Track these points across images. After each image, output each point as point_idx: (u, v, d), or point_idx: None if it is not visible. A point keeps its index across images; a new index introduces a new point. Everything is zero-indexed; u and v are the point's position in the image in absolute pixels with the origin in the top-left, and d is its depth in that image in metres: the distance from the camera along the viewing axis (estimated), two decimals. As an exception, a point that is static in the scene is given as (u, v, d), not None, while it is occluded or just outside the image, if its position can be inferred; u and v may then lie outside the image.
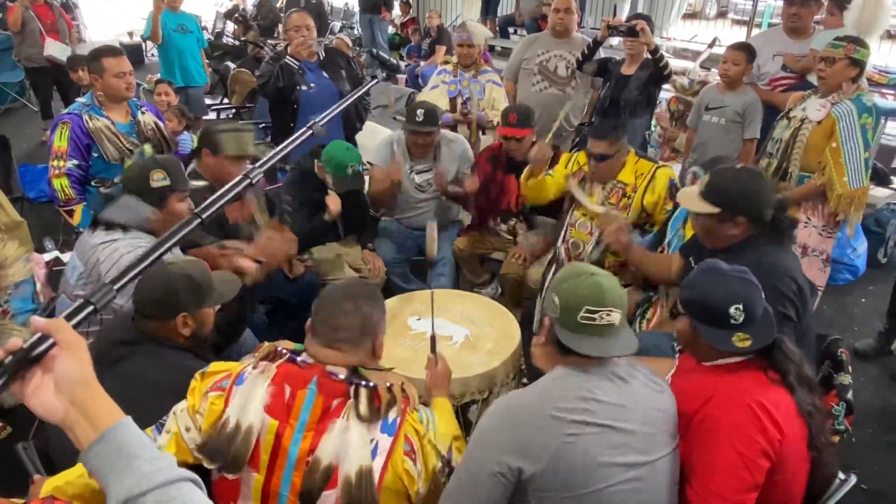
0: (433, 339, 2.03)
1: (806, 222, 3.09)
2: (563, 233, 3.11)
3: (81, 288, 2.20)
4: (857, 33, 3.06)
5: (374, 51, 2.36)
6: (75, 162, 2.96)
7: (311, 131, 1.59)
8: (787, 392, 1.57)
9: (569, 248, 3.08)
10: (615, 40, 4.15)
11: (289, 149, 1.49)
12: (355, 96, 1.92)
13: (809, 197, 3.04)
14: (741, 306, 1.58)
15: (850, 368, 2.12)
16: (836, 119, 2.89)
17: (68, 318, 0.88)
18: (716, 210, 2.06)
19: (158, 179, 2.24)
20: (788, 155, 3.04)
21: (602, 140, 2.89)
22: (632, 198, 2.93)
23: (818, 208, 3.06)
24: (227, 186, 1.29)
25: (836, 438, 1.99)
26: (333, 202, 3.01)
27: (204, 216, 1.23)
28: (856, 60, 2.89)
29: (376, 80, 2.04)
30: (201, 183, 2.60)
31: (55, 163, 2.95)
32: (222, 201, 1.27)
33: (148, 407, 1.44)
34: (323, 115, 1.67)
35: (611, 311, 1.48)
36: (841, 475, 1.76)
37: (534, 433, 1.42)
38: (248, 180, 1.32)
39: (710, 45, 5.96)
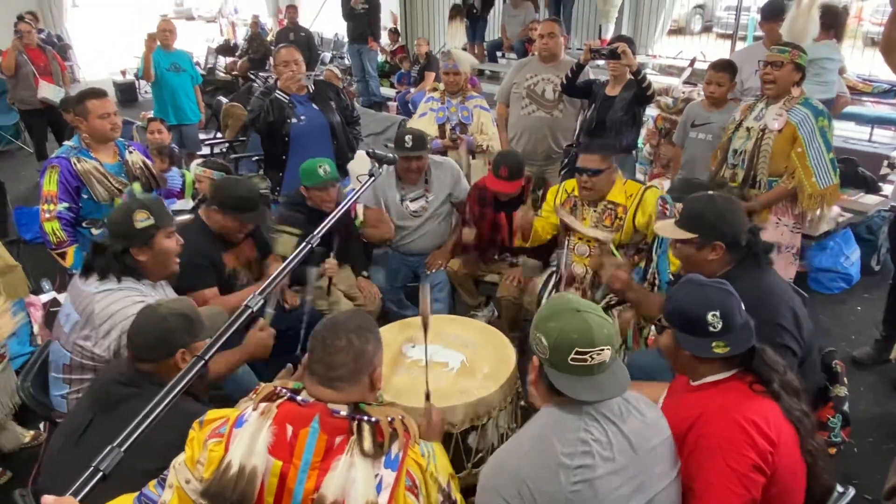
0: (427, 394, 2.03)
1: (777, 222, 3.24)
2: (563, 259, 3.14)
3: (77, 336, 2.18)
4: (789, 40, 3.28)
5: (371, 150, 2.47)
6: (66, 205, 2.97)
7: (309, 246, 1.68)
8: (773, 401, 1.59)
9: (572, 273, 3.11)
10: (602, 60, 4.21)
11: (289, 268, 1.60)
12: (357, 196, 2.02)
13: (780, 199, 3.20)
14: (718, 313, 1.62)
15: (845, 380, 2.13)
16: (796, 125, 3.05)
17: (76, 492, 0.97)
18: (692, 236, 2.11)
19: (142, 220, 2.22)
20: (755, 164, 3.18)
21: (593, 154, 2.94)
22: (623, 219, 2.96)
23: (788, 208, 3.22)
24: (227, 322, 1.40)
25: (833, 450, 2.00)
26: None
27: (206, 357, 1.32)
28: (799, 65, 3.09)
29: (373, 177, 2.12)
30: (186, 217, 2.61)
31: (45, 206, 2.96)
32: (224, 337, 1.37)
33: (150, 450, 1.44)
34: (319, 228, 1.76)
35: (601, 349, 1.46)
36: (839, 488, 1.76)
37: (541, 486, 1.40)
38: (249, 309, 1.44)
39: (691, 64, 6.11)
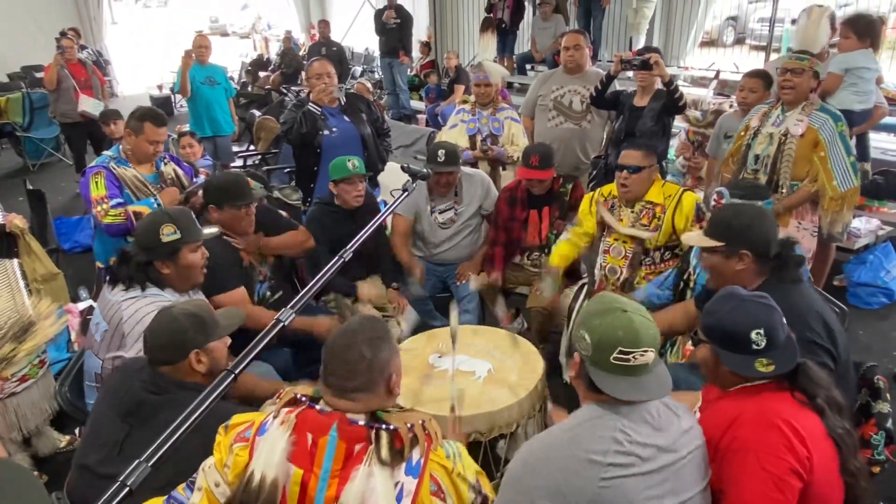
0: (452, 406, 2.03)
1: (798, 225, 3.29)
2: (598, 260, 3.12)
3: (107, 344, 2.22)
4: (799, 48, 3.30)
5: (406, 165, 2.51)
6: (118, 200, 2.99)
7: (342, 260, 1.68)
8: (815, 415, 1.55)
9: (606, 274, 3.09)
10: (631, 72, 4.18)
11: (323, 281, 1.59)
12: (391, 210, 2.07)
13: (803, 203, 3.25)
14: (762, 331, 1.57)
15: (888, 396, 2.06)
16: (818, 129, 3.10)
17: None
18: (720, 244, 2.06)
19: (169, 234, 2.22)
20: (778, 169, 3.22)
21: (636, 150, 2.94)
22: (661, 218, 2.94)
23: (808, 212, 3.30)
24: (259, 336, 1.40)
25: (877, 469, 1.93)
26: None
27: (237, 371, 1.32)
28: (817, 73, 3.16)
29: (407, 192, 2.15)
30: (213, 230, 2.59)
31: (99, 208, 2.96)
32: (255, 351, 1.38)
33: (201, 452, 1.49)
34: (353, 242, 1.75)
35: (645, 351, 1.44)
36: (881, 508, 1.70)
37: (570, 478, 1.39)
38: (281, 323, 1.45)
39: (716, 77, 6.07)
